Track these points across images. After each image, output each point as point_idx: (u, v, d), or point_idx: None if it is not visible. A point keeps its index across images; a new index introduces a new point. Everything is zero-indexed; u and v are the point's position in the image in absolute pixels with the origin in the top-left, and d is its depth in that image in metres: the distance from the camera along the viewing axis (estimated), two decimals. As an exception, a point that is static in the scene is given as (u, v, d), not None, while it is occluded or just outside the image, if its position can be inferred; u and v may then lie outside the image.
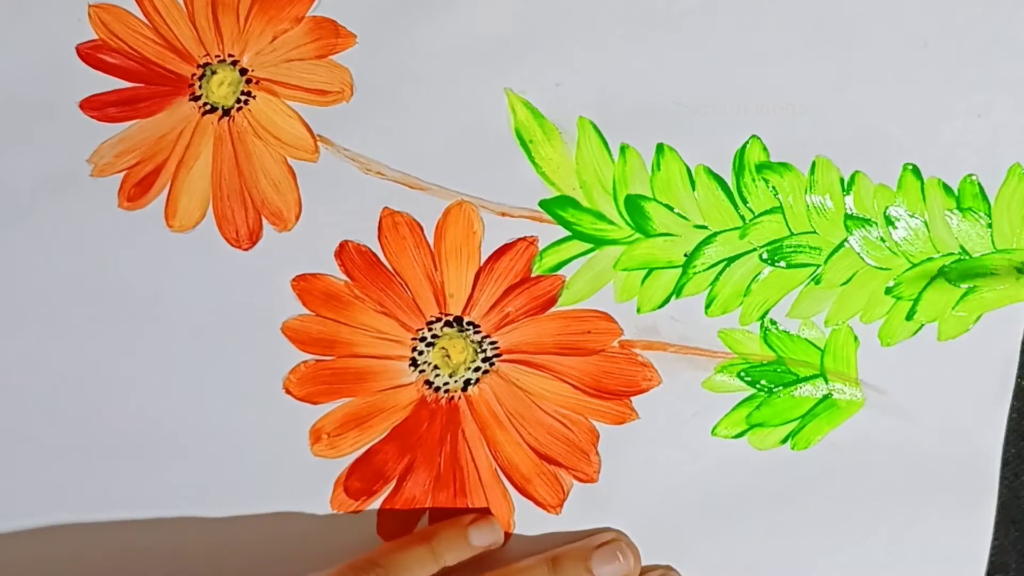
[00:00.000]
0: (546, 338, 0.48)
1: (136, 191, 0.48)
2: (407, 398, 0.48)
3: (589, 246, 0.48)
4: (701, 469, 0.48)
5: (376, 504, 0.48)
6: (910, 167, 0.48)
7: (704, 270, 0.48)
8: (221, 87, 0.48)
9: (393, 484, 0.48)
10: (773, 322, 0.48)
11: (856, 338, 0.48)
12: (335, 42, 0.48)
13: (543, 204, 0.48)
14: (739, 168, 0.48)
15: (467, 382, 0.48)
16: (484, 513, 0.48)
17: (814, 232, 0.48)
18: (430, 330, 0.48)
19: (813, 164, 0.48)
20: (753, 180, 0.48)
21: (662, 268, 0.48)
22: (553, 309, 0.48)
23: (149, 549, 0.48)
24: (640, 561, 0.48)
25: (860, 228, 0.48)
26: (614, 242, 0.48)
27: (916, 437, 0.48)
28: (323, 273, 0.48)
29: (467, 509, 0.48)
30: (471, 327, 0.48)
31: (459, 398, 0.48)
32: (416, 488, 0.48)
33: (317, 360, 0.48)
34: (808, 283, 0.48)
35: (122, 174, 0.48)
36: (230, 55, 0.48)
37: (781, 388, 0.48)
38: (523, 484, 0.48)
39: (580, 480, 0.48)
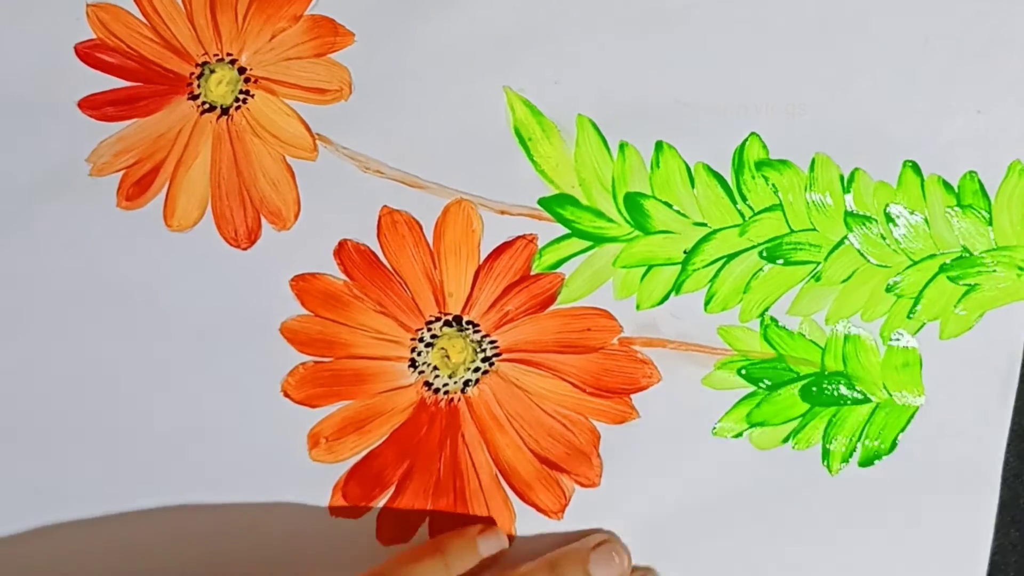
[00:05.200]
0: (546, 336, 0.48)
1: (134, 190, 0.48)
2: (406, 400, 0.48)
3: (588, 244, 0.48)
4: (702, 469, 0.48)
5: (375, 511, 0.48)
6: (910, 164, 0.48)
7: (703, 267, 0.48)
8: (219, 86, 0.48)
9: (392, 489, 0.48)
10: (773, 319, 0.48)
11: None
12: (333, 40, 0.48)
13: (542, 202, 0.48)
14: (738, 165, 0.48)
15: (467, 383, 0.48)
16: (489, 523, 0.48)
17: (814, 229, 0.48)
18: (429, 330, 0.48)
19: (813, 161, 0.48)
20: (753, 177, 0.48)
21: (661, 265, 0.48)
22: (552, 307, 0.48)
23: (145, 552, 0.48)
24: (631, 561, 0.48)
25: (860, 225, 0.48)
26: (613, 240, 0.48)
27: (917, 436, 0.48)
28: (322, 272, 0.48)
29: (469, 517, 0.48)
30: (470, 326, 0.48)
31: (459, 400, 0.48)
32: (416, 494, 0.48)
33: (316, 362, 0.48)
34: (808, 280, 0.48)
35: (120, 173, 0.48)
36: (228, 54, 0.48)
37: (781, 386, 0.48)
38: (524, 490, 0.48)
39: (582, 485, 0.48)
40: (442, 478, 0.48)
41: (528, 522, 0.48)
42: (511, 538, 0.48)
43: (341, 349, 0.48)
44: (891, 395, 0.48)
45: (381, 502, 0.48)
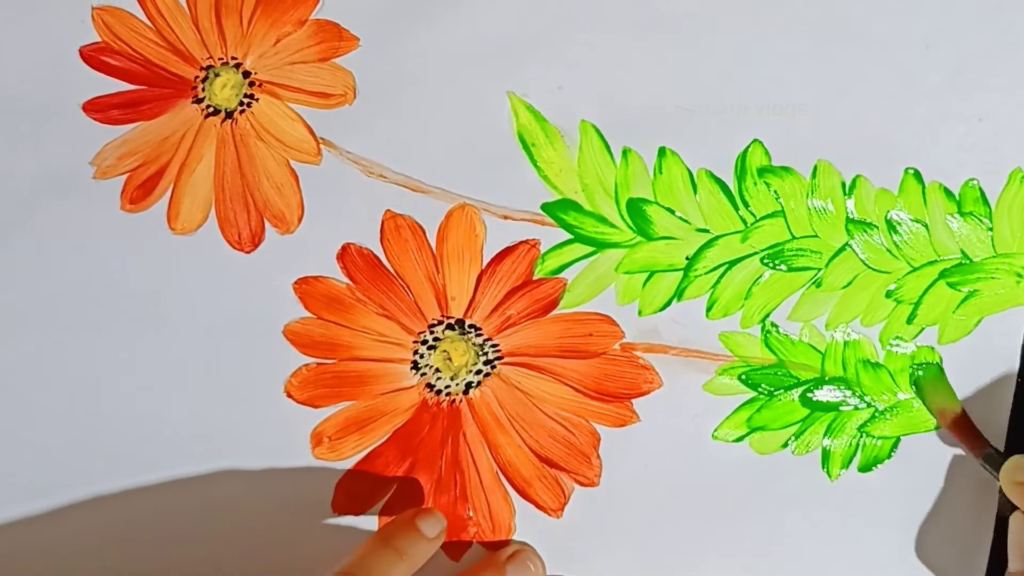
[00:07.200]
0: (548, 341, 0.48)
1: (138, 193, 0.48)
2: (408, 401, 0.48)
3: (591, 249, 0.48)
4: (702, 472, 0.48)
5: (377, 507, 0.48)
6: (911, 171, 0.48)
7: (705, 273, 0.48)
8: (224, 89, 0.48)
9: (395, 487, 0.48)
10: (774, 325, 0.48)
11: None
12: (338, 45, 0.48)
13: (545, 207, 0.48)
14: (741, 172, 0.48)
15: (468, 385, 0.48)
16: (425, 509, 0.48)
17: (815, 236, 0.48)
18: (431, 333, 0.48)
19: (815, 168, 0.48)
20: (755, 184, 0.48)
21: (663, 271, 0.48)
22: (555, 312, 0.48)
23: (149, 551, 0.48)
24: (546, 568, 0.48)
25: (861, 232, 0.48)
26: (616, 245, 0.48)
27: (917, 439, 0.49)
28: (325, 276, 0.48)
29: (468, 515, 0.48)
30: (473, 330, 0.48)
31: (460, 401, 0.48)
32: (417, 491, 0.48)
33: (318, 363, 0.48)
34: (809, 286, 0.48)
35: (124, 176, 0.48)
36: (233, 57, 0.48)
37: (781, 392, 0.48)
38: (524, 487, 0.48)
39: (581, 484, 0.48)
40: (443, 475, 0.48)
41: (528, 519, 0.49)
42: (508, 540, 0.49)
43: (344, 351, 0.48)
44: (890, 400, 0.49)
45: (383, 499, 0.48)
